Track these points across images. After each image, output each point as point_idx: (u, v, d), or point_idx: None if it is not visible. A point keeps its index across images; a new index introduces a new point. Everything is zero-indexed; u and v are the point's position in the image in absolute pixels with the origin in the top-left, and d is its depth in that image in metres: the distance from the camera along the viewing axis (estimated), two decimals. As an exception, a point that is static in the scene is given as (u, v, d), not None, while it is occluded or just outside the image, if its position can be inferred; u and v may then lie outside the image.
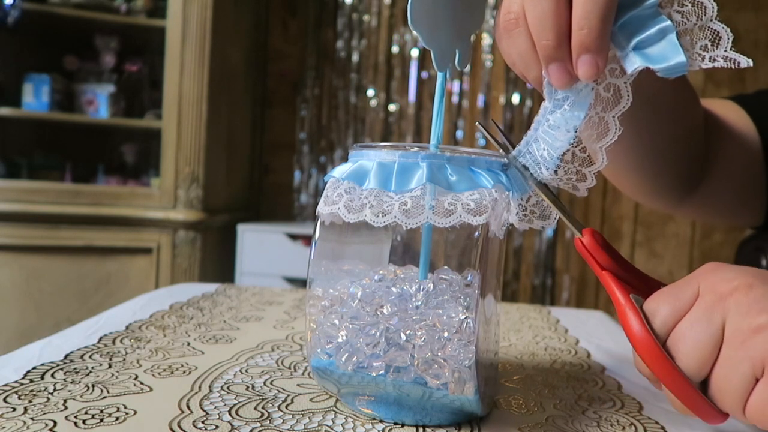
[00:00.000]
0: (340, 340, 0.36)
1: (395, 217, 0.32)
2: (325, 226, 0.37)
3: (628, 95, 0.34)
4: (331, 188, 0.35)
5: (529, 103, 2.23)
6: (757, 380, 0.29)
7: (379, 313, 0.35)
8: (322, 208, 0.35)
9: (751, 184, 0.61)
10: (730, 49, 0.31)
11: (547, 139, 0.36)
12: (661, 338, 0.32)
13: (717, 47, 0.31)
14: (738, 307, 0.30)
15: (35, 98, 1.87)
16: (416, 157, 0.34)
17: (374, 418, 0.36)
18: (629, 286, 0.34)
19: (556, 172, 0.36)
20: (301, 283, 1.93)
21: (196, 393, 0.38)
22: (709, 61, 0.31)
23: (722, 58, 0.31)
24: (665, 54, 0.31)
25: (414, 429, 0.35)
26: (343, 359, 0.35)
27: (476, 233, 0.35)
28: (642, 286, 0.35)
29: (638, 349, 0.32)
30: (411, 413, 0.35)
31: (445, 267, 0.38)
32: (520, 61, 0.35)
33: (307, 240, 1.97)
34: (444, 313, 0.34)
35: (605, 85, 0.34)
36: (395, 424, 0.35)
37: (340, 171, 0.36)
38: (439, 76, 0.38)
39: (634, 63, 0.32)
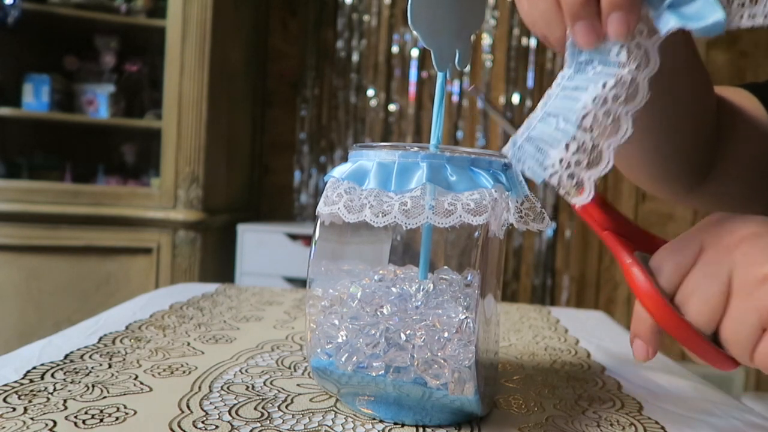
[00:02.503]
0: (340, 340, 0.36)
1: (395, 217, 0.32)
2: (325, 226, 0.37)
3: (656, 58, 0.31)
4: (331, 188, 0.35)
5: (529, 103, 2.23)
6: (765, 329, 0.29)
7: (379, 313, 0.35)
8: (322, 208, 0.35)
9: (763, 174, 0.59)
10: None
11: (567, 104, 0.32)
12: (668, 294, 0.31)
13: (756, 3, 0.28)
14: (745, 257, 0.29)
15: (35, 98, 1.86)
16: (416, 157, 0.34)
17: (374, 418, 0.36)
18: (633, 243, 0.33)
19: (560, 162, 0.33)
20: (301, 283, 1.93)
21: (196, 393, 0.38)
22: (749, 17, 0.29)
23: (763, 15, 0.28)
24: (701, 12, 0.29)
25: (414, 429, 0.35)
26: (343, 359, 0.35)
27: (476, 233, 0.35)
28: (645, 243, 0.34)
29: (647, 306, 0.31)
30: (411, 413, 0.35)
31: (445, 267, 0.38)
32: (542, 21, 0.33)
33: (307, 240, 1.97)
34: (444, 313, 0.34)
35: (633, 44, 0.31)
36: (395, 424, 0.35)
37: (340, 171, 0.36)
38: (439, 76, 0.38)
39: (668, 22, 0.29)
